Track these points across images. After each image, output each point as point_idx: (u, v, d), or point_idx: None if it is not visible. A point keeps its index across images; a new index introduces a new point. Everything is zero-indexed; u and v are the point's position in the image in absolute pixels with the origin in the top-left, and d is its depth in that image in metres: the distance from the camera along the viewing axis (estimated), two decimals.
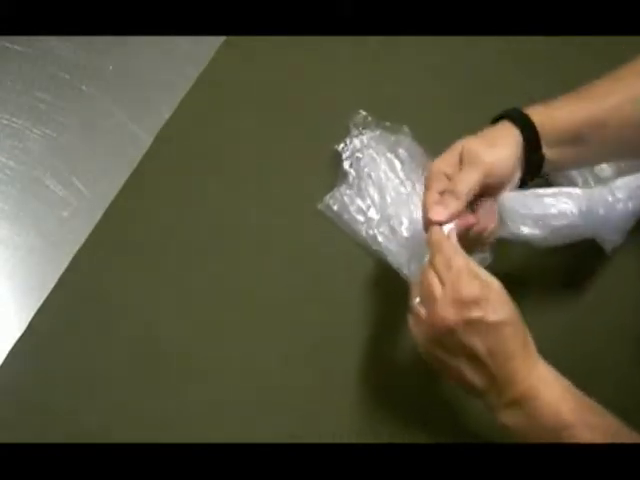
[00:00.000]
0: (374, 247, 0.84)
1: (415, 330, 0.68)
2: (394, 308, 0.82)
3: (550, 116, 0.73)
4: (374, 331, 0.82)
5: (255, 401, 0.79)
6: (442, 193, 0.71)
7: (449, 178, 0.72)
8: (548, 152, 0.73)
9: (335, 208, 0.86)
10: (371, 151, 0.87)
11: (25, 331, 0.82)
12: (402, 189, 0.85)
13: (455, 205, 0.70)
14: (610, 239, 0.80)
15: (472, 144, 0.72)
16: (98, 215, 0.88)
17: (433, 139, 0.87)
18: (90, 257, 0.86)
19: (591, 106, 0.73)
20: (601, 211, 0.77)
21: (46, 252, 0.87)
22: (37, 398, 0.79)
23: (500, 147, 0.72)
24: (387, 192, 0.85)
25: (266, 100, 0.95)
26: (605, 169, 0.84)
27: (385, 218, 0.84)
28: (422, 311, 0.67)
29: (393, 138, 0.88)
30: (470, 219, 0.72)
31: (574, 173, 0.84)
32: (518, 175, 0.73)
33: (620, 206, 0.78)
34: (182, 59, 0.98)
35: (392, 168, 0.86)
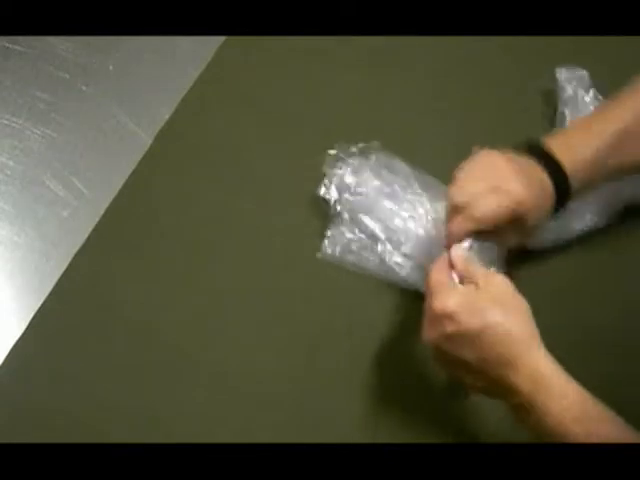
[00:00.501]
0: (390, 278, 0.83)
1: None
2: (403, 317, 0.83)
3: (577, 157, 0.73)
4: (374, 332, 0.82)
5: (255, 402, 0.79)
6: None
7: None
8: (576, 186, 0.74)
9: (337, 253, 0.84)
10: (356, 187, 0.85)
11: (25, 331, 0.82)
12: (403, 213, 0.83)
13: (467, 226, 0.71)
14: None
15: (505, 175, 0.71)
16: (98, 215, 0.88)
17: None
18: (90, 257, 0.86)
19: (633, 151, 0.74)
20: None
21: (46, 252, 0.87)
22: (37, 398, 0.79)
23: (533, 195, 0.72)
24: (389, 222, 0.83)
25: (266, 100, 0.95)
26: None
27: (396, 246, 0.82)
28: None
29: (372, 160, 0.86)
30: None
31: None
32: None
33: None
34: (182, 59, 0.98)
35: (386, 195, 0.84)
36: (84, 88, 0.97)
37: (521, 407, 0.63)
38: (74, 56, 0.98)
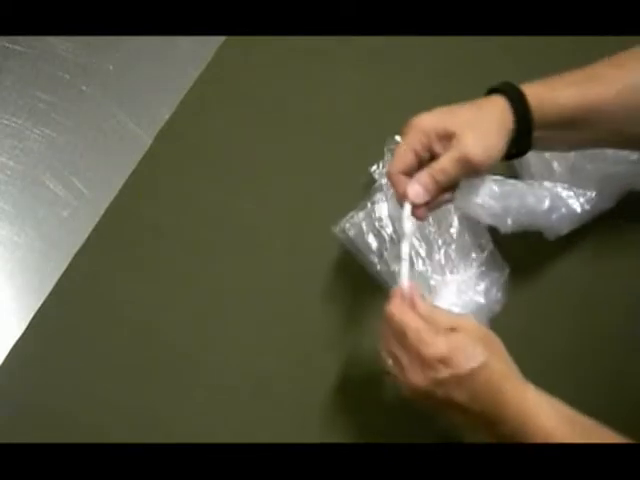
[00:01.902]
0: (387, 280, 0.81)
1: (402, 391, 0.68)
2: None
3: (549, 98, 0.70)
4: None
5: (255, 402, 0.79)
6: (408, 171, 0.70)
7: (421, 151, 0.69)
8: (538, 133, 0.71)
9: (351, 234, 0.82)
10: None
11: (25, 331, 0.82)
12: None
13: (433, 190, 0.69)
14: (560, 231, 0.82)
15: (458, 127, 0.68)
16: (98, 215, 0.88)
17: None
18: (90, 257, 0.86)
19: (591, 90, 0.71)
20: (563, 210, 0.81)
21: (46, 252, 0.87)
22: (37, 398, 0.79)
23: (489, 135, 0.69)
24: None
25: (266, 100, 0.95)
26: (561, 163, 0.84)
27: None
28: (398, 377, 0.66)
29: None
30: (446, 197, 0.72)
31: (533, 161, 0.84)
32: (499, 158, 0.70)
33: (578, 204, 0.81)
34: (182, 59, 0.98)
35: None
36: (84, 88, 0.97)
37: (510, 436, 0.63)
38: (74, 56, 0.98)
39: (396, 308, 0.67)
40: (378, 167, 0.86)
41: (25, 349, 0.82)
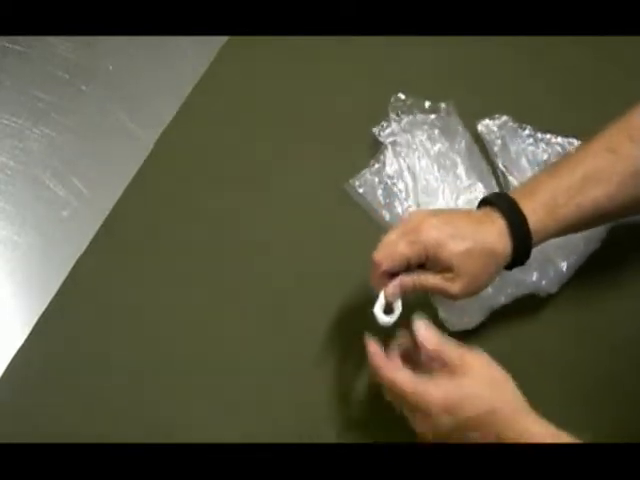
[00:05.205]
0: None
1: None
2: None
3: (551, 220, 0.70)
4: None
5: (255, 402, 0.79)
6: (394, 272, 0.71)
7: (414, 263, 0.70)
8: (538, 245, 0.72)
9: (361, 190, 0.86)
10: (408, 136, 0.87)
11: (28, 333, 0.82)
12: (436, 175, 0.85)
13: (409, 292, 0.71)
14: (550, 290, 0.81)
15: (455, 263, 0.68)
16: (98, 215, 0.88)
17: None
18: (90, 258, 0.86)
19: (593, 193, 0.70)
20: (552, 273, 0.80)
21: (46, 252, 0.87)
22: (38, 400, 0.79)
23: (478, 277, 0.70)
24: (419, 180, 0.85)
25: (267, 101, 0.95)
26: None
27: (416, 204, 0.84)
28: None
29: (431, 119, 0.88)
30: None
31: None
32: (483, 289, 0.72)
33: (566, 263, 0.81)
34: (183, 59, 0.98)
35: (427, 154, 0.86)
36: (84, 88, 0.97)
37: None
38: (74, 56, 0.98)
39: (382, 364, 0.68)
40: (382, 127, 0.89)
41: (27, 350, 0.82)
